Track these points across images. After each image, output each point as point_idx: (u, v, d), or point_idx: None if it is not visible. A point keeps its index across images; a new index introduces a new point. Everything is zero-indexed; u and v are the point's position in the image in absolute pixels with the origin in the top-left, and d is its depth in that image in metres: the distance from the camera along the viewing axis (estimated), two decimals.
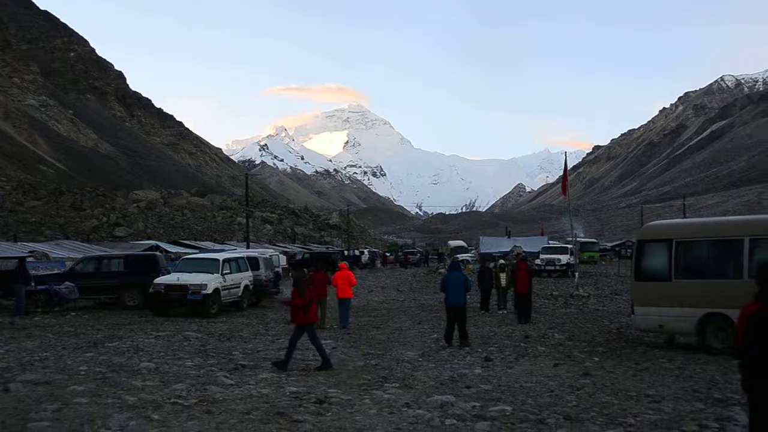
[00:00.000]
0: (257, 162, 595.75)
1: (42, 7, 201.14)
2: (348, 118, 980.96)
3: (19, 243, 39.76)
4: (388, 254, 74.60)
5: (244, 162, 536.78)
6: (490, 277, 22.30)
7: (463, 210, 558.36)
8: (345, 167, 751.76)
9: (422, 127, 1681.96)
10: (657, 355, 12.47)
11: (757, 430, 4.86)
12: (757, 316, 4.87)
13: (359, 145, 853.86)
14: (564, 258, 40.31)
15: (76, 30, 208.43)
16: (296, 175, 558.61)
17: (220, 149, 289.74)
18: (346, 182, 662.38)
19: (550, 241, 55.42)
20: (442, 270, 43.96)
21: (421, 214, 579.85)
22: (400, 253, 74.31)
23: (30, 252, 30.16)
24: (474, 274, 30.72)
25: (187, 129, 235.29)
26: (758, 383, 4.81)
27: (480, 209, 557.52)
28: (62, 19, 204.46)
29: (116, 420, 7.20)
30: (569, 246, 41.18)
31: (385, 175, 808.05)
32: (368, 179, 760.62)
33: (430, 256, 78.92)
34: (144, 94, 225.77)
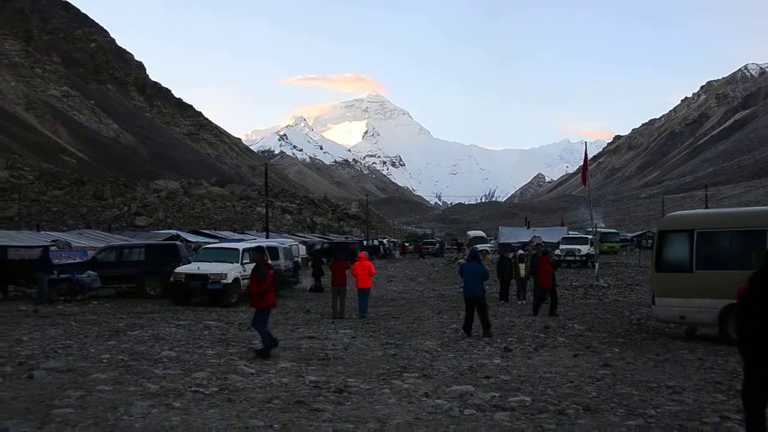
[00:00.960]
0: (276, 152, 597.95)
1: None
2: (367, 108, 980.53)
3: (42, 232, 40.20)
4: (407, 244, 74.58)
5: (263, 152, 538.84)
6: (510, 267, 22.23)
7: (483, 200, 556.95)
8: (364, 157, 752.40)
9: (441, 117, 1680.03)
10: (678, 346, 12.39)
11: (746, 386, 5.79)
12: (745, 291, 5.87)
13: (378, 135, 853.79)
14: (584, 249, 40.11)
15: (96, 20, 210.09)
16: (315, 165, 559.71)
17: (240, 139, 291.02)
18: (365, 172, 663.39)
19: (570, 232, 55.13)
20: (461, 260, 43.92)
21: (441, 204, 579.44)
22: (410, 245, 74.30)
23: (53, 241, 30.46)
24: (493, 264, 30.66)
25: (207, 119, 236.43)
26: (745, 348, 5.76)
27: (499, 199, 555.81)
28: (83, 10, 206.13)
29: (138, 407, 7.29)
30: (589, 236, 40.94)
31: (404, 165, 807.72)
32: (387, 169, 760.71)
33: (446, 246, 78.74)
34: (164, 85, 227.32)
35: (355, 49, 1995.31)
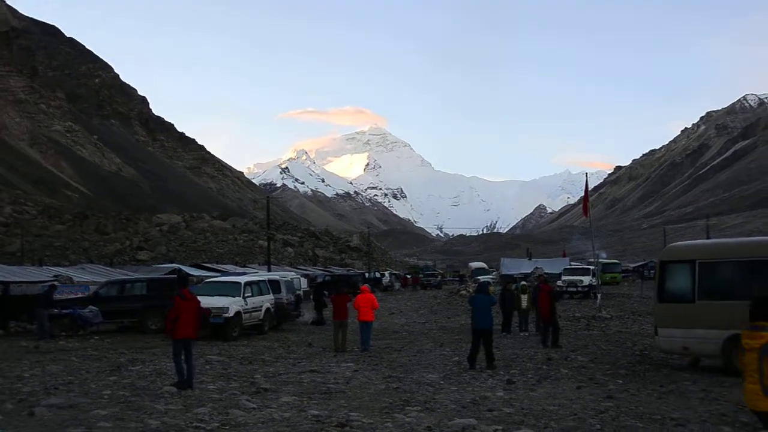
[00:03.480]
0: (278, 185, 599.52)
1: (68, 35, 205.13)
2: (368, 140, 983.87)
3: (44, 267, 40.17)
4: (408, 276, 74.43)
5: (265, 185, 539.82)
6: (512, 299, 22.19)
7: (484, 232, 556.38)
8: (365, 189, 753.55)
9: (443, 149, 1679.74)
10: (682, 377, 12.32)
11: None
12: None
13: (380, 167, 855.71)
14: (586, 279, 39.97)
15: (100, 56, 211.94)
16: (317, 197, 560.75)
17: (242, 173, 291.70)
18: (367, 204, 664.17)
19: (572, 263, 55.00)
20: (464, 292, 43.76)
21: (442, 236, 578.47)
22: (409, 276, 74.31)
23: (55, 276, 30.45)
24: (495, 296, 30.62)
25: (209, 153, 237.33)
26: None
27: (501, 231, 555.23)
28: (87, 46, 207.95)
29: None
30: (591, 267, 40.85)
31: (405, 197, 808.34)
32: (389, 201, 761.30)
33: (446, 278, 78.57)
34: (167, 119, 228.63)
35: (352, 81, 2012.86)
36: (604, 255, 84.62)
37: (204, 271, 46.59)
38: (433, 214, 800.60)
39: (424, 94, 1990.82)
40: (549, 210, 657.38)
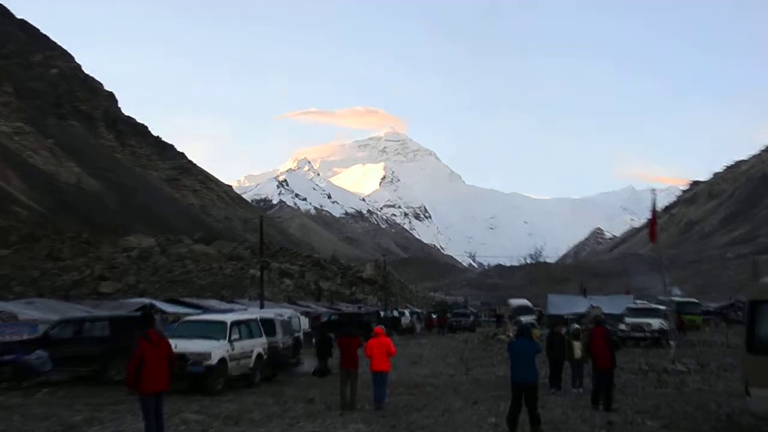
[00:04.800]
0: (275, 201, 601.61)
1: (19, 16, 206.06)
2: (384, 147, 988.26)
3: None
4: (433, 316, 74.24)
5: (258, 201, 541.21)
6: (562, 345, 21.92)
7: (527, 261, 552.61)
8: (381, 208, 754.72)
9: (475, 159, 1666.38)
10: None
11: None
12: None
13: (398, 180, 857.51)
14: (655, 322, 39.57)
15: (58, 42, 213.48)
16: (322, 217, 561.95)
17: (230, 186, 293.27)
18: (383, 226, 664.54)
19: (638, 301, 54.59)
20: (502, 336, 43.43)
21: (475, 265, 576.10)
22: (434, 315, 74.16)
23: None
24: (542, 341, 30.30)
25: (191, 162, 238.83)
26: None
27: (548, 260, 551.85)
28: (42, 30, 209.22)
29: None
30: (662, 307, 40.44)
31: (430, 217, 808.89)
32: (410, 222, 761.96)
33: (480, 319, 78.15)
34: (139, 120, 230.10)
35: (364, 76, 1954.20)
36: (678, 292, 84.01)
37: (182, 308, 46.59)
38: (465, 239, 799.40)
39: (452, 91, 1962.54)
40: (608, 235, 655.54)
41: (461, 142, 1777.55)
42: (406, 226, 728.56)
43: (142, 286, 78.08)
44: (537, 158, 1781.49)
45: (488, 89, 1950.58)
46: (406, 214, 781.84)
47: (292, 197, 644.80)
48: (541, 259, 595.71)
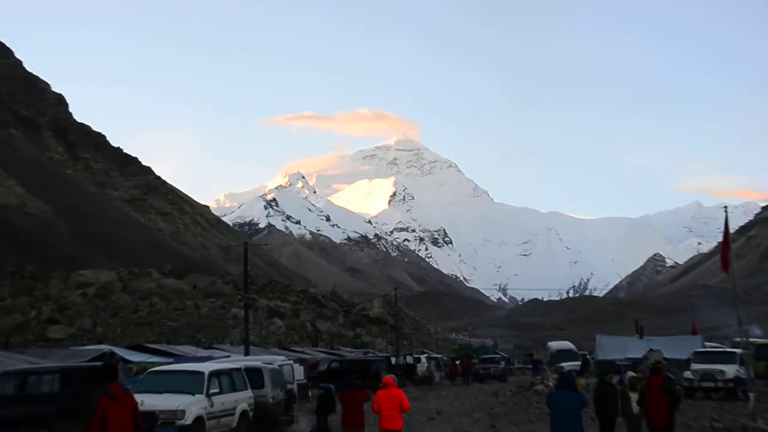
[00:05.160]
0: (262, 225, 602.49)
1: None
2: (395, 159, 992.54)
3: None
4: (455, 362, 73.99)
5: (242, 225, 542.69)
6: (614, 398, 21.77)
7: (570, 294, 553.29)
8: (391, 232, 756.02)
9: (505, 171, 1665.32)
10: None
11: None
12: None
13: (412, 198, 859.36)
14: (730, 369, 39.23)
15: None
16: (319, 243, 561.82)
17: (208, 207, 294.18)
18: (394, 254, 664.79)
19: (708, 344, 54.20)
20: (540, 386, 43.22)
21: (506, 300, 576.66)
22: (457, 361, 73.82)
23: None
24: (589, 393, 30.15)
25: (159, 178, 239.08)
26: None
27: (596, 293, 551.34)
28: None
29: None
30: (738, 351, 40.17)
31: (450, 242, 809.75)
32: (426, 249, 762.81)
33: (513, 366, 77.80)
34: (95, 128, 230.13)
35: (368, 73, 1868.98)
36: (757, 332, 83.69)
37: (149, 356, 46.52)
38: (493, 268, 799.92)
39: (476, 90, 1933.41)
40: (669, 262, 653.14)
41: (488, 150, 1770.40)
42: (422, 254, 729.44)
43: (100, 330, 78.02)
44: (581, 169, 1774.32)
45: (520, 86, 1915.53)
46: (421, 239, 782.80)
47: (283, 220, 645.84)
48: (588, 293, 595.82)
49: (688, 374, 38.92)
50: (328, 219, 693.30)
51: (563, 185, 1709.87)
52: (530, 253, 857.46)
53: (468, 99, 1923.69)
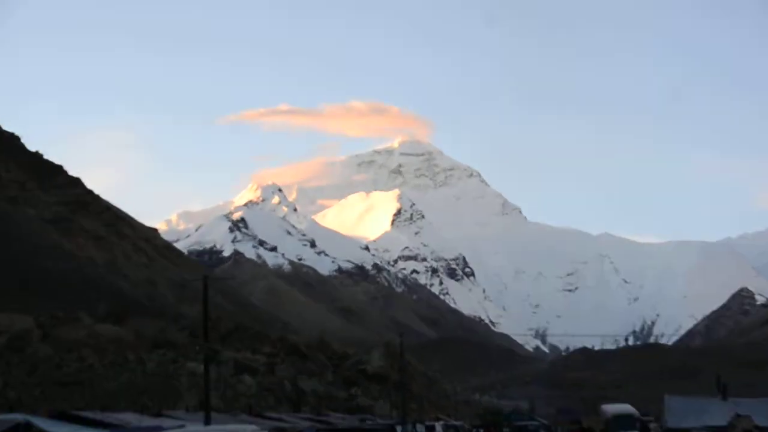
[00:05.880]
0: (226, 253, 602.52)
1: None
2: (399, 165, 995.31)
3: None
4: (480, 431, 74.16)
5: (201, 253, 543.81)
6: None
7: (629, 342, 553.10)
8: (395, 261, 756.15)
9: (543, 183, 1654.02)
10: None
11: None
12: None
13: (421, 217, 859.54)
14: None
15: None
16: (301, 276, 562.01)
17: (156, 230, 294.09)
18: (399, 289, 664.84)
19: None
20: None
21: (546, 350, 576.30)
22: (481, 430, 74.00)
23: None
24: None
25: (91, 193, 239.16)
26: None
27: (663, 340, 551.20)
28: None
29: None
30: None
31: (472, 275, 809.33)
32: (441, 284, 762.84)
33: None
34: (6, 128, 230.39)
35: (364, 54, 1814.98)
36: None
37: (78, 427, 46.33)
38: (528, 308, 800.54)
39: (502, 77, 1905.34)
40: (760, 299, 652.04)
41: (520, 155, 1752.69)
42: (435, 289, 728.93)
43: (12, 394, 77.94)
44: (641, 180, 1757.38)
45: (558, 74, 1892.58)
46: (434, 271, 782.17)
47: (254, 246, 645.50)
48: (653, 339, 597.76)
49: None
50: (312, 244, 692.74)
51: (619, 200, 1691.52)
52: (576, 288, 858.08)
53: (494, 88, 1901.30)
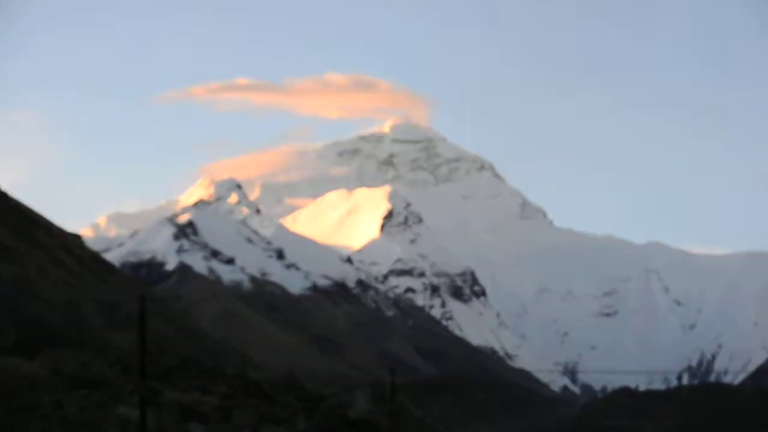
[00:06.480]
0: (170, 266, 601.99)
1: None
2: (391, 155, 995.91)
3: None
4: None
5: (137, 267, 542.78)
6: None
7: (684, 380, 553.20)
8: (385, 276, 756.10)
9: (572, 178, 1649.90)
10: None
11: None
12: None
13: (419, 221, 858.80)
14: None
15: None
16: (266, 296, 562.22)
17: (79, 237, 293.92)
18: (390, 313, 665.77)
19: None
20: None
21: (577, 390, 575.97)
22: None
23: None
24: None
25: None
26: None
27: (727, 378, 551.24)
28: None
29: None
30: None
31: (484, 294, 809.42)
32: (443, 305, 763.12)
33: None
34: None
35: (340, 15, 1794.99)
36: None
37: None
38: (554, 337, 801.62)
39: (520, 41, 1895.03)
40: None
41: (542, 144, 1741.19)
42: (436, 313, 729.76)
43: None
44: (699, 177, 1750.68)
45: (596, 40, 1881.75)
46: (434, 289, 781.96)
47: (206, 257, 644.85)
48: (713, 377, 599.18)
49: None
50: (280, 255, 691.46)
51: (670, 200, 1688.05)
52: (616, 312, 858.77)
53: (511, 56, 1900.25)
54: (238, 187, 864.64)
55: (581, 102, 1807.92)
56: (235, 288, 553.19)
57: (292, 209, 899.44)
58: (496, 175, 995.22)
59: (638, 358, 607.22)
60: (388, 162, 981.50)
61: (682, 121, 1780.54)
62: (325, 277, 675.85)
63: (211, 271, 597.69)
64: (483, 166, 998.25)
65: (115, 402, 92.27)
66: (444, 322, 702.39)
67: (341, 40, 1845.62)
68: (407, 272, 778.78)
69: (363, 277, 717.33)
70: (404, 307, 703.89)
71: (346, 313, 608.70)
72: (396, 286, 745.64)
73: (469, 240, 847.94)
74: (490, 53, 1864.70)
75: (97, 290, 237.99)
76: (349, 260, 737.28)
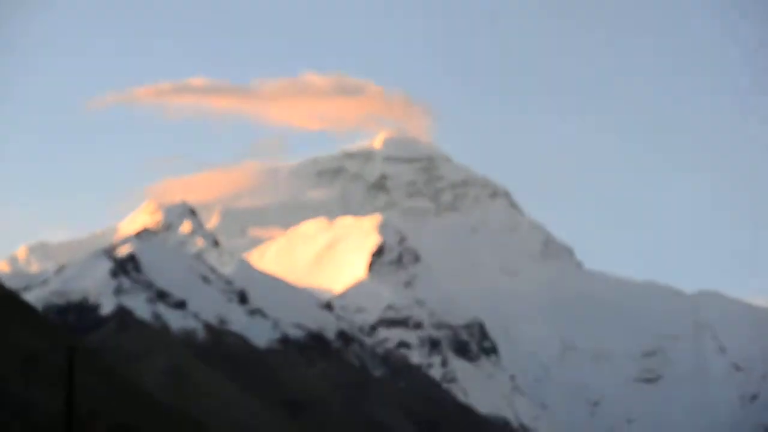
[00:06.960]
0: (106, 310, 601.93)
1: None
2: (383, 176, 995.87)
3: None
4: None
5: (64, 310, 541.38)
6: None
7: None
8: (374, 327, 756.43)
9: (606, 211, 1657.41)
10: None
11: None
12: None
13: (415, 260, 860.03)
14: None
15: None
16: (225, 349, 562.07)
17: None
18: (378, 372, 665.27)
19: None
20: None
21: None
22: None
23: None
24: None
25: None
26: None
27: None
28: None
29: None
30: None
31: (495, 351, 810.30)
32: (444, 363, 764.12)
33: None
34: None
35: (322, 2, 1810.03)
36: None
37: None
38: (583, 406, 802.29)
39: (539, 41, 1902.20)
40: None
41: (569, 166, 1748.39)
42: (436, 373, 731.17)
43: None
44: (760, 214, 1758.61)
45: (624, 35, 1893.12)
46: (434, 344, 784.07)
47: (150, 300, 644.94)
48: None
49: None
50: (243, 299, 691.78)
51: (726, 241, 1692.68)
52: (660, 377, 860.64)
53: (528, 59, 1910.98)
54: (192, 212, 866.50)
55: (615, 116, 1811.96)
56: (187, 339, 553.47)
57: (259, 241, 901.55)
58: (512, 204, 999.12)
59: (691, 429, 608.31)
60: (379, 185, 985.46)
61: (737, 144, 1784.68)
62: (298, 326, 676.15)
63: (157, 317, 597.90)
64: (496, 193, 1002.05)
65: None
66: (445, 385, 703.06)
67: (321, 32, 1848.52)
68: (400, 322, 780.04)
69: (345, 327, 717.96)
70: (396, 365, 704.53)
71: (324, 372, 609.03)
72: (386, 340, 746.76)
73: (477, 284, 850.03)
74: (505, 57, 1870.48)
75: (15, 339, 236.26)
76: (328, 306, 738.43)
